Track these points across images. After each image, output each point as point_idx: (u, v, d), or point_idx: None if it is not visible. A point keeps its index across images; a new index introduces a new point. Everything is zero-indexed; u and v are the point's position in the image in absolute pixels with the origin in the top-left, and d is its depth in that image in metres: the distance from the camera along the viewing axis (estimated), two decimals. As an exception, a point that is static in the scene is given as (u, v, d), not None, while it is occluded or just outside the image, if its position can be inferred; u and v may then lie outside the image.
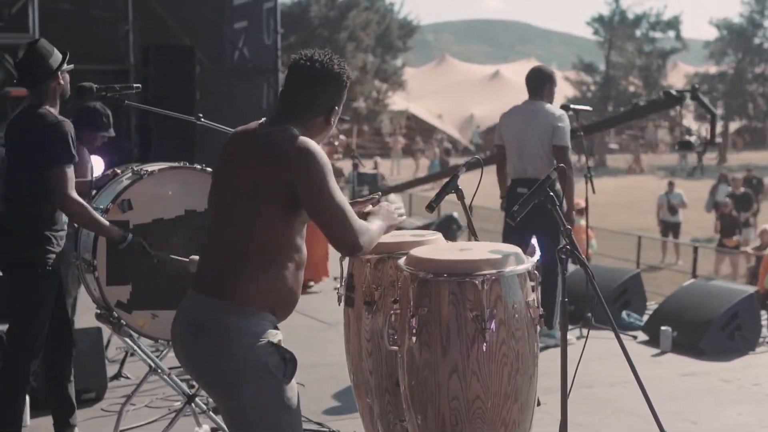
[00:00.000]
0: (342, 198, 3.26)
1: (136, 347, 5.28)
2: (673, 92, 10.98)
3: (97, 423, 5.66)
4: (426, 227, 14.26)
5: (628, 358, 4.06)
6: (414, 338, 3.62)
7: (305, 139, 3.27)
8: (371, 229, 3.43)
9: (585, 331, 7.57)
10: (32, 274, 4.89)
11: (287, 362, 3.26)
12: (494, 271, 3.57)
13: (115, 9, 14.74)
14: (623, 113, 21.84)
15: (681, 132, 28.08)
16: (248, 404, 3.25)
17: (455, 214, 15.82)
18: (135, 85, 5.54)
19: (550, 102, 7.58)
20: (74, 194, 4.82)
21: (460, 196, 4.22)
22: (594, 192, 7.87)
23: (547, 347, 7.32)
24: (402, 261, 3.77)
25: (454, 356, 3.56)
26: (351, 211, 3.28)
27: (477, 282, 3.54)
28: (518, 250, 3.75)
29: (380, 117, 38.76)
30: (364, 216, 3.70)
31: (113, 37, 14.65)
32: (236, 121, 10.88)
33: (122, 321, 5.02)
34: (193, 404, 5.25)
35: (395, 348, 3.75)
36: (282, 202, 3.23)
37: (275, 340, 3.25)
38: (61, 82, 5.00)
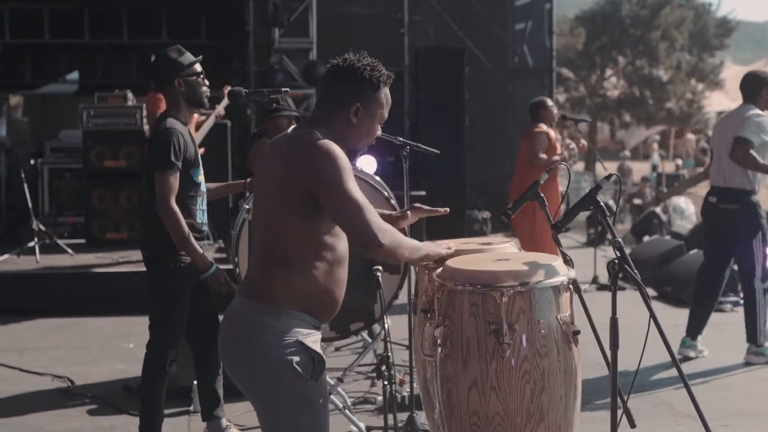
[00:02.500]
0: (360, 195, 3.25)
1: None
2: None
3: (245, 417, 5.86)
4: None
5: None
6: (439, 349, 3.52)
7: (322, 141, 3.28)
8: (400, 235, 3.38)
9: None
10: (165, 272, 5.14)
11: (315, 363, 3.29)
12: (515, 283, 3.40)
13: (392, 11, 15.12)
14: None
15: None
16: (272, 402, 3.33)
17: (658, 210, 14.94)
18: (283, 89, 5.68)
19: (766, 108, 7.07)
20: (171, 203, 4.95)
21: (542, 204, 3.99)
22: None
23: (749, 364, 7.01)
24: (439, 270, 3.66)
25: (473, 370, 3.44)
26: (369, 209, 3.26)
27: (496, 294, 3.37)
28: (556, 262, 3.53)
29: (695, 118, 37.17)
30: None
31: (390, 40, 15.03)
32: (511, 123, 10.89)
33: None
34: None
35: (430, 358, 3.64)
36: (303, 203, 3.27)
37: (305, 340, 3.28)
38: (180, 87, 5.14)
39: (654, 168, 25.03)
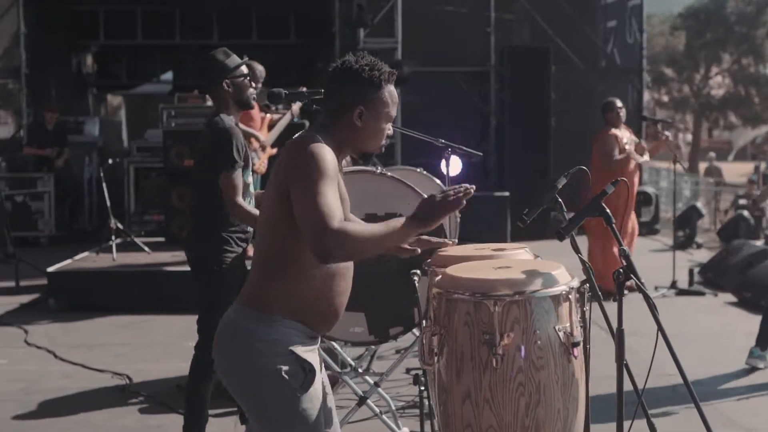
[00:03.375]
0: (328, 200, 3.06)
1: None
2: None
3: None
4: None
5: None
6: (435, 358, 3.44)
7: (312, 145, 3.19)
8: (356, 233, 3.06)
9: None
10: (209, 273, 5.16)
11: (306, 372, 3.24)
12: (510, 292, 3.29)
13: (480, 10, 15.00)
14: None
15: None
16: (262, 411, 3.29)
17: (698, 204, 14.43)
18: (321, 90, 5.64)
19: None
20: (239, 200, 4.98)
21: (560, 208, 3.86)
22: None
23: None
24: (438, 277, 3.58)
25: (467, 381, 3.34)
26: (330, 211, 3.04)
27: (489, 303, 3.28)
28: (557, 270, 3.42)
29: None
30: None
31: (476, 39, 14.93)
32: (599, 123, 10.67)
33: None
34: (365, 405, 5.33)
35: (428, 367, 3.56)
36: (291, 208, 3.18)
37: (296, 349, 3.23)
38: (228, 89, 5.16)
39: (756, 169, 24.33)
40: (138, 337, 8.53)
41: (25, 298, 10.19)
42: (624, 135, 9.88)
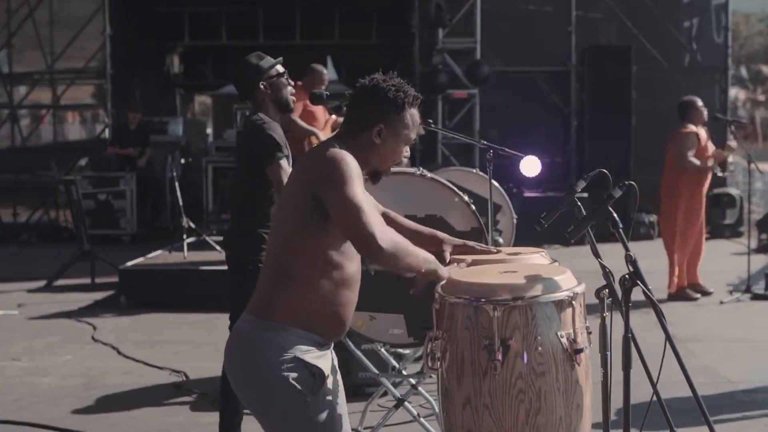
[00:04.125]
0: (364, 199, 3.16)
1: (353, 348, 5.48)
2: None
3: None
4: None
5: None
6: (438, 363, 3.40)
7: (332, 149, 3.25)
8: (406, 243, 3.27)
9: None
10: (244, 272, 5.19)
11: (315, 377, 3.25)
12: (510, 297, 3.24)
13: (560, 9, 14.85)
14: None
15: None
16: (272, 419, 3.31)
17: None
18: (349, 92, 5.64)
19: None
20: None
21: (578, 212, 3.74)
22: None
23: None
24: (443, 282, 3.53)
25: (467, 387, 3.30)
26: (371, 211, 3.16)
27: (489, 308, 3.23)
28: (562, 275, 3.35)
29: None
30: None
31: (557, 38, 14.78)
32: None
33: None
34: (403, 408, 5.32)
35: (433, 372, 3.53)
36: (309, 216, 3.22)
37: (304, 357, 3.24)
38: (266, 90, 5.18)
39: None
40: (201, 335, 8.64)
41: (99, 295, 10.42)
42: (703, 134, 9.67)
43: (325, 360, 3.32)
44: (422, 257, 3.31)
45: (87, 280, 10.83)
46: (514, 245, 7.13)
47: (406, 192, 5.30)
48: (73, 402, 6.62)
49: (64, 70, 16.03)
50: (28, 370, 7.49)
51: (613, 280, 3.47)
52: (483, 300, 3.25)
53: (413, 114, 3.38)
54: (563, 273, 3.39)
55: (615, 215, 3.38)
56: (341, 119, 9.12)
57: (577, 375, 3.30)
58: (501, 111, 14.53)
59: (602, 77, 13.98)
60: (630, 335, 3.35)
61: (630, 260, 3.31)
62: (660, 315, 3.32)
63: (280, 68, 5.32)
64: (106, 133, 15.42)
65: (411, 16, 14.86)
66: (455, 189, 5.46)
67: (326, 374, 3.29)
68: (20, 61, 16.44)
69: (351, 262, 3.31)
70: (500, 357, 3.21)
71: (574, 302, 3.30)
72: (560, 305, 3.28)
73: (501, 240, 7.08)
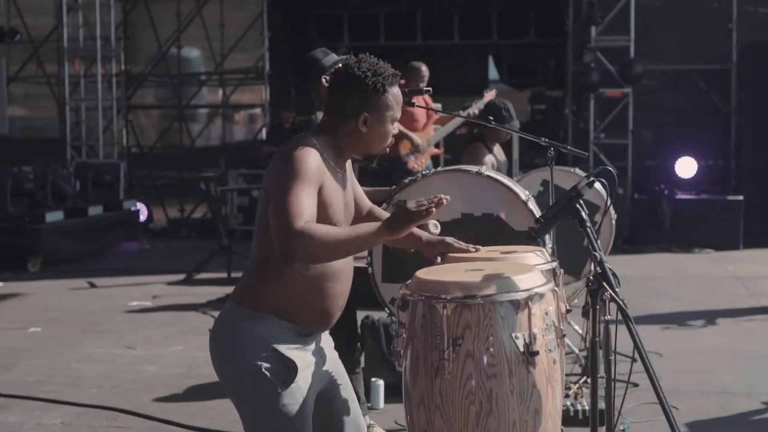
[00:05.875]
0: (300, 201, 3.07)
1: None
2: None
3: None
4: None
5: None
6: (400, 361, 3.36)
7: (292, 148, 3.24)
8: (332, 229, 3.11)
9: None
10: None
11: (289, 370, 3.27)
12: (460, 295, 3.15)
13: (720, 4, 14.27)
14: None
15: None
16: (243, 406, 3.37)
17: None
18: (426, 88, 5.60)
19: None
20: None
21: (583, 225, 3.52)
22: None
23: None
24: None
25: (421, 386, 3.24)
26: (298, 208, 3.05)
27: (439, 306, 3.16)
28: (526, 275, 3.23)
29: None
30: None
31: (717, 35, 14.22)
32: None
33: (393, 318, 5.18)
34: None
35: (399, 369, 3.48)
36: None
37: (279, 347, 3.27)
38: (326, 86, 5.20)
39: None
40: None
41: (232, 289, 10.68)
42: None
43: (303, 352, 3.32)
44: (356, 233, 3.13)
45: (224, 275, 11.15)
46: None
47: (463, 191, 5.22)
48: (163, 390, 6.83)
49: (229, 71, 16.53)
50: (138, 359, 7.79)
51: (618, 283, 3.33)
52: (434, 298, 3.18)
53: (395, 93, 3.33)
54: (528, 272, 3.27)
55: (583, 213, 3.23)
56: (436, 115, 9.02)
57: (534, 378, 3.18)
58: (656, 111, 14.07)
59: (764, 76, 13.34)
60: (596, 340, 3.20)
61: (597, 261, 3.16)
62: (627, 319, 3.16)
63: None
64: (263, 133, 15.83)
65: (565, 14, 14.60)
66: (513, 188, 5.34)
67: (302, 367, 3.28)
68: (189, 63, 17.08)
69: None
70: (450, 356, 3.13)
71: (531, 303, 3.18)
72: (517, 305, 3.17)
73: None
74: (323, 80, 5.18)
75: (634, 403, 5.96)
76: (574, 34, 14.53)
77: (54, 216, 12.55)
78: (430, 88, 5.64)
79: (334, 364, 3.53)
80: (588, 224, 3.23)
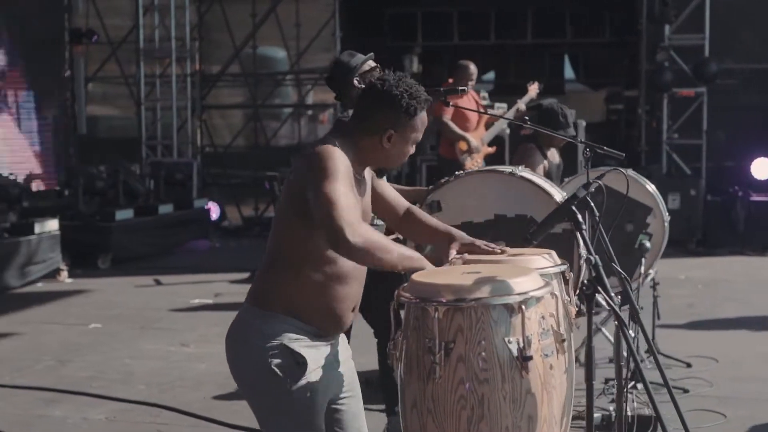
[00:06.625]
0: (342, 195, 3.15)
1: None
2: None
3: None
4: None
5: None
6: (395, 363, 3.32)
7: (320, 147, 3.28)
8: (382, 238, 3.24)
9: None
10: None
11: (299, 365, 3.29)
12: (452, 298, 3.10)
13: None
14: None
15: None
16: (255, 404, 3.42)
17: None
18: (460, 88, 5.55)
19: None
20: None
21: (579, 227, 3.42)
22: None
23: None
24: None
25: (414, 389, 3.20)
26: (347, 207, 3.14)
27: (431, 309, 3.12)
28: (522, 278, 3.17)
29: None
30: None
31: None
32: None
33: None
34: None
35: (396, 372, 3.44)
36: (300, 211, 3.27)
37: (291, 344, 3.29)
38: (360, 85, 5.17)
39: None
40: (359, 329, 8.72)
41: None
42: None
43: (316, 350, 3.33)
44: (398, 254, 3.24)
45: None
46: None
47: (497, 191, 5.17)
48: (211, 388, 6.89)
49: (305, 71, 16.64)
50: (190, 356, 7.87)
51: (631, 288, 3.26)
52: (426, 301, 3.14)
53: (423, 117, 3.38)
54: (524, 276, 3.20)
55: (579, 216, 3.15)
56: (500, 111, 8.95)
57: (528, 384, 3.12)
58: (730, 110, 13.75)
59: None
60: (591, 345, 3.13)
61: (591, 265, 3.09)
62: (622, 324, 3.08)
63: (371, 63, 5.31)
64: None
65: (639, 12, 14.38)
66: (548, 189, 5.26)
67: (313, 364, 3.30)
68: (275, 64, 17.22)
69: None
70: (441, 360, 3.09)
71: (526, 307, 3.11)
72: (510, 309, 3.11)
73: (648, 244, 6.70)
74: (355, 81, 5.17)
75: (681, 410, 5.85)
76: (647, 32, 14.28)
77: (124, 214, 12.77)
78: (465, 88, 5.61)
79: (349, 373, 3.54)
80: (584, 227, 3.15)
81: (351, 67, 5.21)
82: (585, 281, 3.12)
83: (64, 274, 11.46)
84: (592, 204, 3.49)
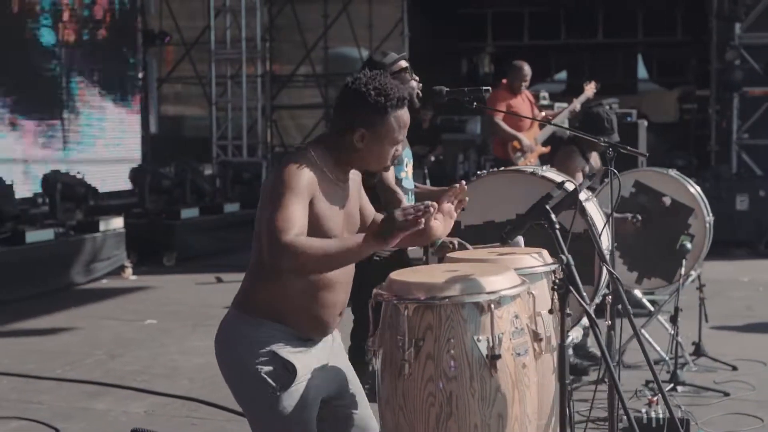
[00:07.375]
0: (289, 210, 3.09)
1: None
2: None
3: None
4: None
5: None
6: (373, 360, 3.36)
7: (286, 160, 3.26)
8: (323, 242, 3.11)
9: None
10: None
11: (289, 372, 3.30)
12: (422, 296, 3.13)
13: None
14: None
15: None
16: (248, 411, 3.45)
17: None
18: (485, 88, 5.52)
19: None
20: (395, 188, 5.03)
21: (552, 227, 3.38)
22: None
23: None
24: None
25: (387, 386, 3.23)
26: (289, 221, 3.08)
27: (401, 306, 3.15)
28: (496, 276, 3.18)
29: None
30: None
31: None
32: None
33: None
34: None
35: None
36: None
37: (280, 351, 3.30)
38: None
39: None
40: (346, 318, 8.73)
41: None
42: None
43: (305, 356, 3.33)
44: (344, 245, 3.10)
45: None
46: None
47: (519, 191, 5.16)
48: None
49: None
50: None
51: (622, 286, 3.25)
52: (397, 298, 3.17)
53: (398, 116, 3.26)
54: (499, 274, 3.21)
55: (553, 216, 3.15)
56: (557, 110, 8.93)
57: (498, 382, 3.13)
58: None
59: None
60: (563, 344, 3.12)
61: (564, 264, 3.08)
62: (593, 324, 3.06)
63: (403, 63, 5.33)
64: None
65: (709, 11, 14.15)
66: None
67: (303, 370, 3.30)
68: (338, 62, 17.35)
69: None
70: (410, 357, 3.12)
71: (497, 305, 3.12)
72: (480, 308, 3.12)
73: (689, 245, 6.61)
74: None
75: (719, 413, 5.78)
76: (718, 31, 14.04)
77: (189, 213, 12.97)
78: (489, 88, 5.55)
79: (344, 370, 3.53)
80: (557, 227, 3.15)
81: (385, 64, 5.24)
82: (557, 280, 3.11)
83: (129, 271, 11.68)
84: (552, 205, 3.42)
